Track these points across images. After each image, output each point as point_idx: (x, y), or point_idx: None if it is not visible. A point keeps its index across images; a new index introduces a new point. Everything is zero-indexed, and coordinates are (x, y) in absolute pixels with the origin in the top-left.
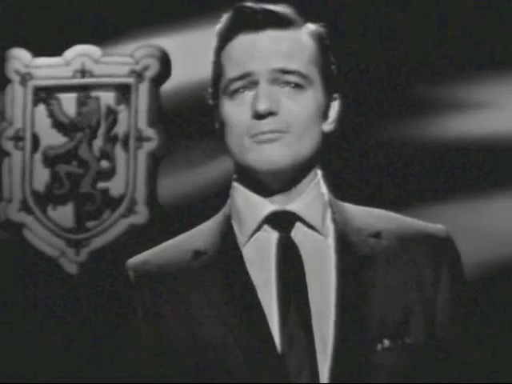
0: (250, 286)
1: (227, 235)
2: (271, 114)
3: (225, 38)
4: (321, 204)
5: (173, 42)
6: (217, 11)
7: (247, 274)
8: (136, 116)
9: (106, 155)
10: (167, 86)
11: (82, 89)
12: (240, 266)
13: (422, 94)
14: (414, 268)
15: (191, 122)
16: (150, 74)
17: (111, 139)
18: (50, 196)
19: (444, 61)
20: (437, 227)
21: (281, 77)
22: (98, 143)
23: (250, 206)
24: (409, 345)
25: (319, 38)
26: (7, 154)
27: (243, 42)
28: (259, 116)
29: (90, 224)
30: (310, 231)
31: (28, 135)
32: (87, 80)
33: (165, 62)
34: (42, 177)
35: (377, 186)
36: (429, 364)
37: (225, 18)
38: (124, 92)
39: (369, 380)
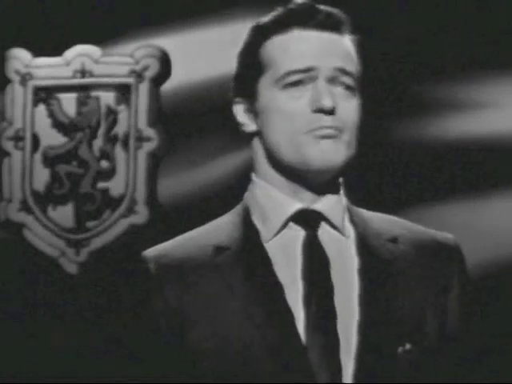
0: (276, 282)
1: (249, 231)
2: (332, 112)
3: (272, 30)
4: (342, 206)
5: (173, 42)
6: (217, 11)
7: (273, 270)
8: (136, 116)
9: (106, 155)
10: (167, 86)
11: (82, 89)
12: (265, 262)
13: (422, 94)
14: (427, 273)
15: (191, 121)
16: (149, 74)
17: (111, 139)
18: (50, 196)
19: (444, 61)
20: (446, 236)
21: (339, 76)
22: (97, 143)
23: (275, 202)
24: (426, 348)
25: (357, 47)
26: (7, 153)
27: (302, 37)
28: (324, 111)
29: (90, 224)
30: (333, 232)
31: (28, 135)
32: (87, 80)
33: (165, 62)
34: (41, 177)
35: (377, 186)
36: (441, 366)
37: (277, 11)
38: (124, 92)
39: (390, 381)
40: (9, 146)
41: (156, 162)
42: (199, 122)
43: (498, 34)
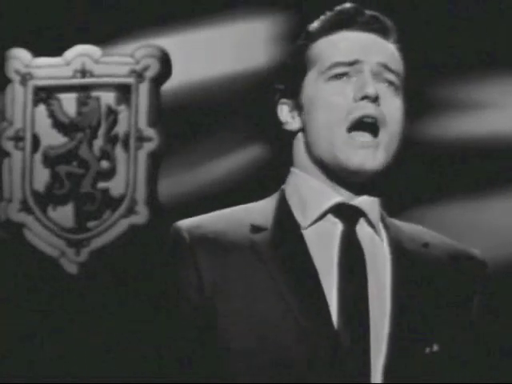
0: (311, 267)
1: (286, 216)
2: (376, 100)
3: (321, 33)
4: (378, 208)
5: (173, 42)
6: (217, 11)
7: (309, 255)
8: (136, 116)
9: (107, 155)
10: (167, 86)
11: (83, 89)
12: (302, 248)
13: (422, 94)
14: (455, 280)
15: (191, 122)
16: (150, 73)
17: (111, 139)
18: (50, 196)
19: (444, 61)
20: (474, 250)
21: (383, 72)
22: (98, 143)
23: (316, 192)
24: (452, 351)
25: (401, 55)
26: (7, 154)
27: (349, 36)
28: (368, 98)
29: (90, 224)
30: (369, 230)
31: (28, 135)
32: (87, 80)
33: (165, 61)
34: (42, 177)
35: (376, 186)
36: (464, 371)
37: (325, 15)
38: (124, 92)
39: (417, 380)
40: (9, 146)
41: (156, 162)
42: (199, 122)
43: (499, 33)
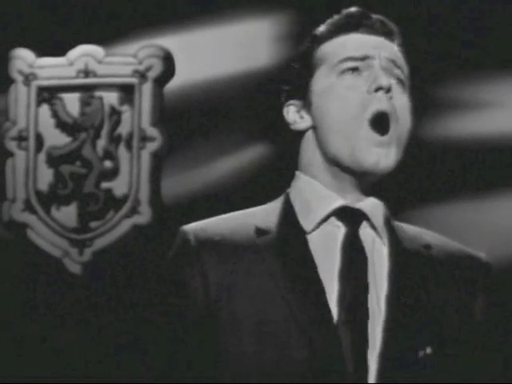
0: (314, 271)
1: (290, 220)
2: (389, 91)
3: (328, 36)
4: (382, 210)
5: (176, 42)
6: (220, 11)
7: (312, 259)
8: (139, 116)
9: (110, 155)
10: (170, 86)
11: (86, 89)
12: (305, 250)
13: (422, 94)
14: (456, 282)
15: (194, 121)
16: (153, 74)
17: (115, 139)
18: (53, 196)
19: (445, 60)
20: (479, 253)
21: (391, 67)
22: (101, 143)
23: (320, 196)
24: (447, 354)
25: (407, 61)
26: (11, 154)
27: (356, 37)
28: (382, 89)
29: (93, 224)
30: (372, 232)
31: (31, 135)
32: (91, 80)
33: (168, 61)
34: (45, 177)
35: (377, 186)
36: (459, 375)
37: (332, 19)
38: (127, 92)
39: (410, 382)
40: (12, 145)
41: (159, 162)
42: (202, 121)
43: (500, 32)
